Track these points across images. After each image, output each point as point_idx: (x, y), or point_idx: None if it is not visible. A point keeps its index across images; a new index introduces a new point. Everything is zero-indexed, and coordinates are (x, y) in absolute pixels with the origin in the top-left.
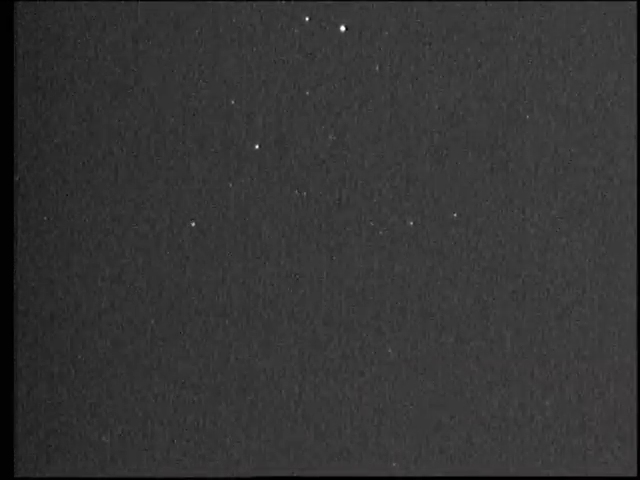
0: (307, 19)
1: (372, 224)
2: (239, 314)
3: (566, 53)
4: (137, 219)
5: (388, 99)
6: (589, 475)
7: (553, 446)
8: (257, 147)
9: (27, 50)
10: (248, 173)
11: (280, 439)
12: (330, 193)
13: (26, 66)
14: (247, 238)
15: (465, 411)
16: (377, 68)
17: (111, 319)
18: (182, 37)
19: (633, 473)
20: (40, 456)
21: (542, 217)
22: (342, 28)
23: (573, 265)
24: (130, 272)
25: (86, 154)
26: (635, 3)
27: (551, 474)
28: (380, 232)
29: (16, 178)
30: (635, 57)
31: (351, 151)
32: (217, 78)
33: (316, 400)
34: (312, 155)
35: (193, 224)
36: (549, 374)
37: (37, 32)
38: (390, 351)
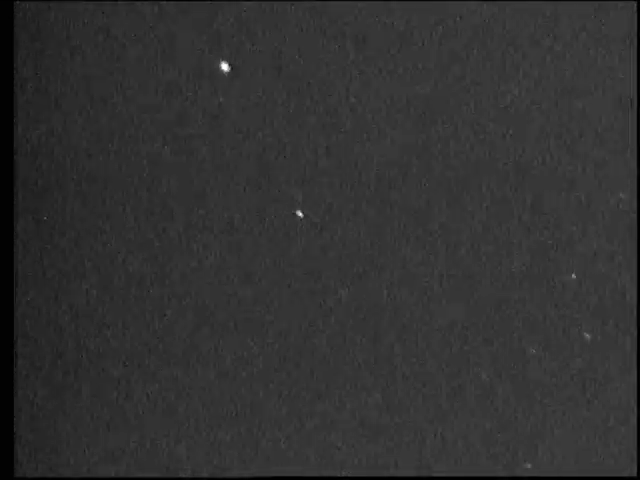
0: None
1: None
2: (239, 314)
3: (566, 53)
4: (138, 218)
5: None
6: (589, 475)
7: (553, 446)
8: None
9: (27, 50)
10: (249, 172)
11: (280, 439)
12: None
13: (26, 66)
14: (249, 241)
15: (465, 411)
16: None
17: (111, 319)
18: (182, 37)
19: (633, 473)
20: (40, 456)
21: (543, 224)
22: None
23: (572, 265)
24: (130, 272)
25: (86, 154)
26: (635, 3)
27: (551, 474)
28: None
29: (16, 179)
30: (635, 57)
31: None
32: (218, 77)
33: (316, 400)
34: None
35: (194, 224)
36: (549, 374)
37: (37, 32)
38: (390, 350)
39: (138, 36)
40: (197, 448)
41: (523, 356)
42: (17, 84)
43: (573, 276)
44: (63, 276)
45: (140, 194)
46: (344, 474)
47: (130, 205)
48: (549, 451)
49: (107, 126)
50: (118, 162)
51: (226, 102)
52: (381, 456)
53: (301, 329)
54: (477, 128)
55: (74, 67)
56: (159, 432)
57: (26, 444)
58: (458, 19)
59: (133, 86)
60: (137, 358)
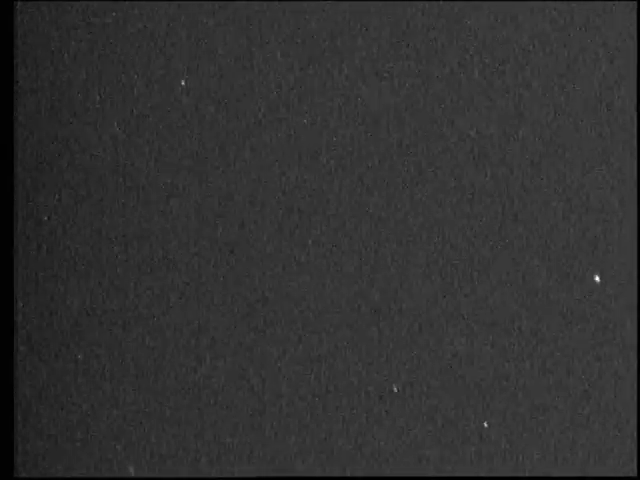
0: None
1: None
2: (239, 315)
3: (565, 53)
4: (138, 219)
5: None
6: (589, 475)
7: (553, 446)
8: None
9: (27, 50)
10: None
11: (280, 439)
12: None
13: (26, 66)
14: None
15: (465, 410)
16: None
17: (111, 319)
18: (182, 37)
19: (633, 473)
20: (40, 456)
21: (543, 226)
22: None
23: (572, 266)
24: (130, 273)
25: (86, 155)
26: (635, 3)
27: (551, 474)
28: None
29: (16, 179)
30: (635, 57)
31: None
32: (217, 77)
33: (315, 399)
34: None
35: (195, 226)
36: (549, 374)
37: (37, 32)
38: (390, 350)
39: (139, 36)
40: (198, 448)
41: (523, 357)
42: (17, 84)
43: (597, 279)
44: (63, 276)
45: (142, 193)
46: (344, 474)
47: (131, 207)
48: (549, 451)
49: (108, 126)
50: (119, 162)
51: (232, 104)
52: (381, 455)
53: (308, 330)
54: (471, 128)
55: (74, 67)
56: (159, 432)
57: (26, 444)
58: (456, 19)
59: (135, 87)
60: (138, 358)
